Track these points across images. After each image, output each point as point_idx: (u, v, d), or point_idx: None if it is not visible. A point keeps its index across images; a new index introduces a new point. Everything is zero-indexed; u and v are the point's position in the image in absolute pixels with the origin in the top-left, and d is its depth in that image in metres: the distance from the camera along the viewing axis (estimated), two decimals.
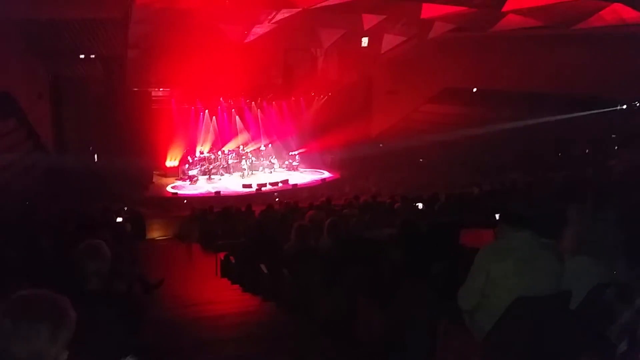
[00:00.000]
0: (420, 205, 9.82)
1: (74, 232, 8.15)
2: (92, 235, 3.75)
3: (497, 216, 7.94)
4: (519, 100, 19.62)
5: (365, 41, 21.30)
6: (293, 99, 25.18)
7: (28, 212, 12.73)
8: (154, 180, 22.61)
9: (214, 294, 7.40)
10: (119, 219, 12.02)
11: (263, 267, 6.54)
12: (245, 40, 19.87)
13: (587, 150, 18.47)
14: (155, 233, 15.71)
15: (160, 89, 22.22)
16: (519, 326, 2.62)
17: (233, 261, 8.68)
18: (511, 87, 19.82)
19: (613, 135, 18.12)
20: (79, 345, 1.95)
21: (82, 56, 18.84)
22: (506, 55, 19.61)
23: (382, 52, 22.60)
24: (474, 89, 22.23)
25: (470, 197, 10.42)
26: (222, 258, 9.42)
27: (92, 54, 18.89)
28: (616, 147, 17.62)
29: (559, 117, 18.33)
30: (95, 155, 20.45)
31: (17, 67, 17.23)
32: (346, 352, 3.84)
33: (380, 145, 23.63)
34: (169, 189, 21.77)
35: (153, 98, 22.18)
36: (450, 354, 2.99)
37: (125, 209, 15.61)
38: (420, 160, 22.85)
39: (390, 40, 21.95)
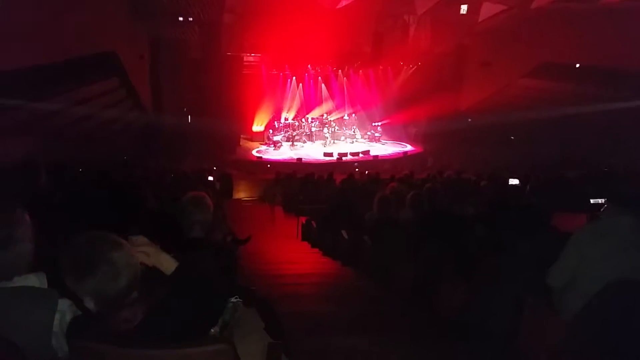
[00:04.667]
0: (513, 182, 9.49)
1: (170, 186, 8.75)
2: (187, 189, 4.02)
3: (591, 201, 7.49)
4: (628, 79, 17.94)
5: (464, 9, 20.31)
6: (381, 68, 24.73)
7: (128, 165, 13.74)
8: (240, 143, 23.49)
9: (295, 254, 7.69)
10: (210, 178, 12.68)
11: (344, 233, 6.69)
12: (337, 6, 19.70)
13: None
14: (241, 193, 16.47)
15: (252, 54, 22.69)
16: (611, 309, 2.54)
17: (314, 226, 8.93)
18: (620, 65, 18.15)
19: None
20: (185, 290, 2.14)
21: (180, 19, 19.62)
22: (617, 30, 17.89)
23: (479, 21, 21.49)
24: (577, 65, 20.61)
25: (564, 180, 9.87)
26: (304, 222, 9.72)
27: (190, 17, 19.59)
28: None
29: None
30: (189, 116, 21.51)
31: (122, 28, 18.27)
32: (425, 321, 3.88)
33: (469, 120, 22.70)
34: (254, 152, 22.56)
35: (244, 63, 22.74)
36: (535, 332, 2.95)
37: (215, 168, 16.46)
38: (512, 138, 21.77)
39: (489, 9, 20.73)
